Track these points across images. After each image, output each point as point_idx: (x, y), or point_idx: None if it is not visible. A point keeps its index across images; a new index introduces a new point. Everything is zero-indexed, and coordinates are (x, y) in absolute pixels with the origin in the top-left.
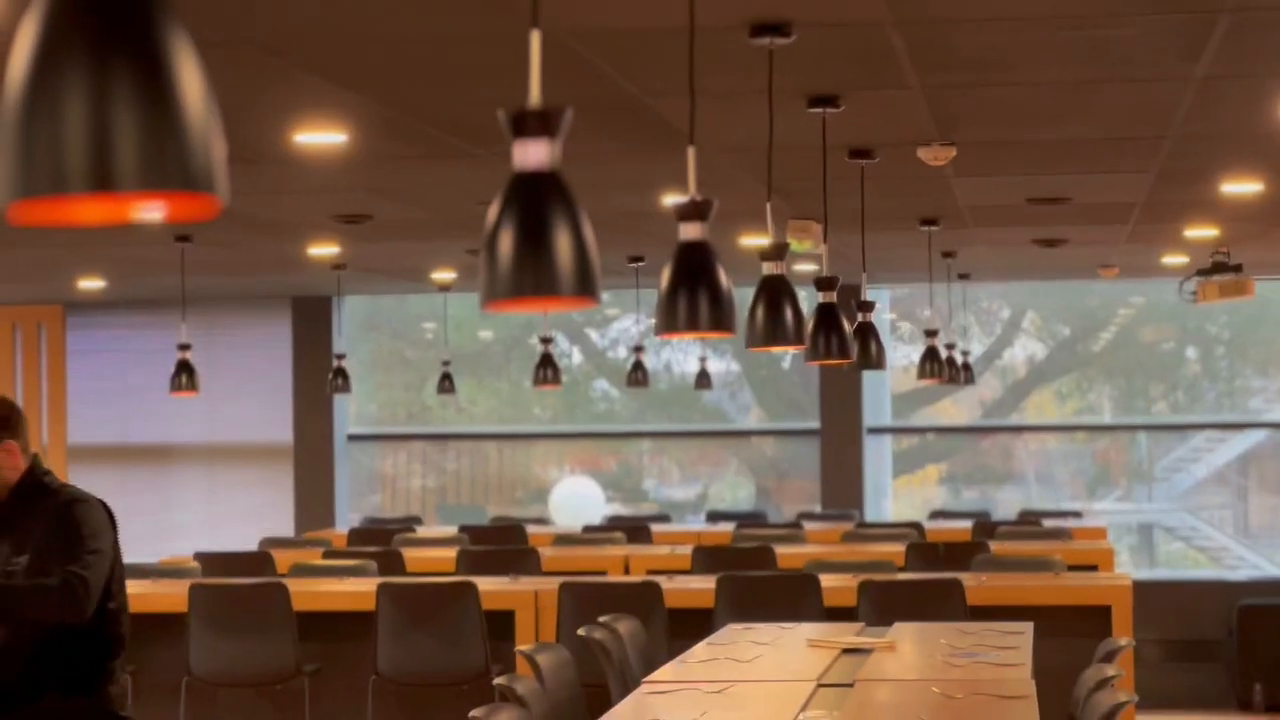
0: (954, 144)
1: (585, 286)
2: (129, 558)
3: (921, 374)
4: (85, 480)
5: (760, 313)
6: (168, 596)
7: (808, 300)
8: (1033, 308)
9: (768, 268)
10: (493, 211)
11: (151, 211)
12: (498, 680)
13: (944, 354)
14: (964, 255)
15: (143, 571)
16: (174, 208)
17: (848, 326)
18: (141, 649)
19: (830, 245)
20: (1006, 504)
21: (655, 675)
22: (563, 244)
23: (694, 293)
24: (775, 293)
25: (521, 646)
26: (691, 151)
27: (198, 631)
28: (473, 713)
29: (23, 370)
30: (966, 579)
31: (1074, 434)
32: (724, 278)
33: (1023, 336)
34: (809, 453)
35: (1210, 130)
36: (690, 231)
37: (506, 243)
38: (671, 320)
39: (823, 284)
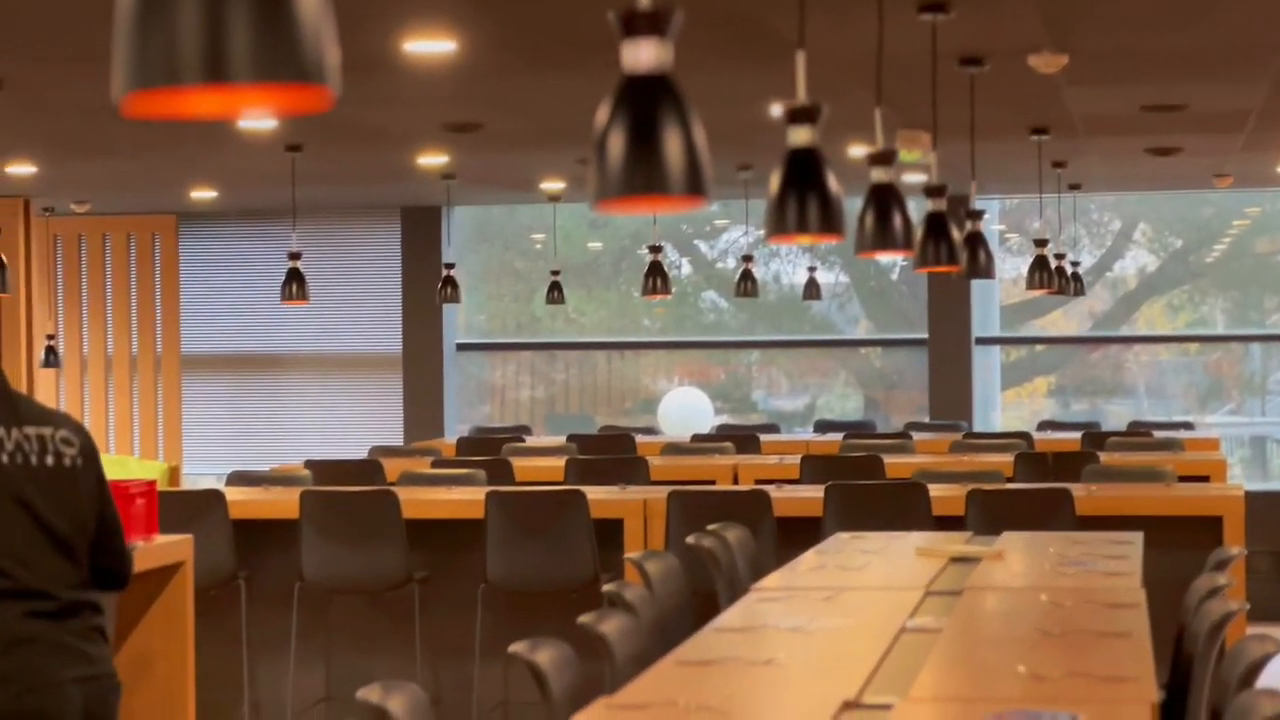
0: (1066, 51)
1: (695, 185)
2: (241, 464)
3: (1031, 284)
4: (198, 389)
5: (869, 219)
6: (280, 503)
7: (916, 212)
8: (1144, 219)
9: (876, 174)
10: (603, 112)
11: (264, 103)
12: (607, 587)
13: (1053, 264)
14: (1075, 165)
15: (255, 479)
16: (286, 99)
17: (956, 235)
18: (254, 555)
19: (939, 155)
20: (1116, 417)
21: (764, 582)
22: (672, 142)
23: (803, 197)
24: (884, 199)
25: (630, 554)
26: (801, 56)
27: (309, 538)
28: (581, 618)
29: (137, 280)
30: (1076, 489)
31: (1186, 346)
32: (833, 182)
33: (1134, 248)
34: (917, 364)
35: None
36: (799, 136)
37: (617, 142)
38: (781, 224)
39: (932, 191)
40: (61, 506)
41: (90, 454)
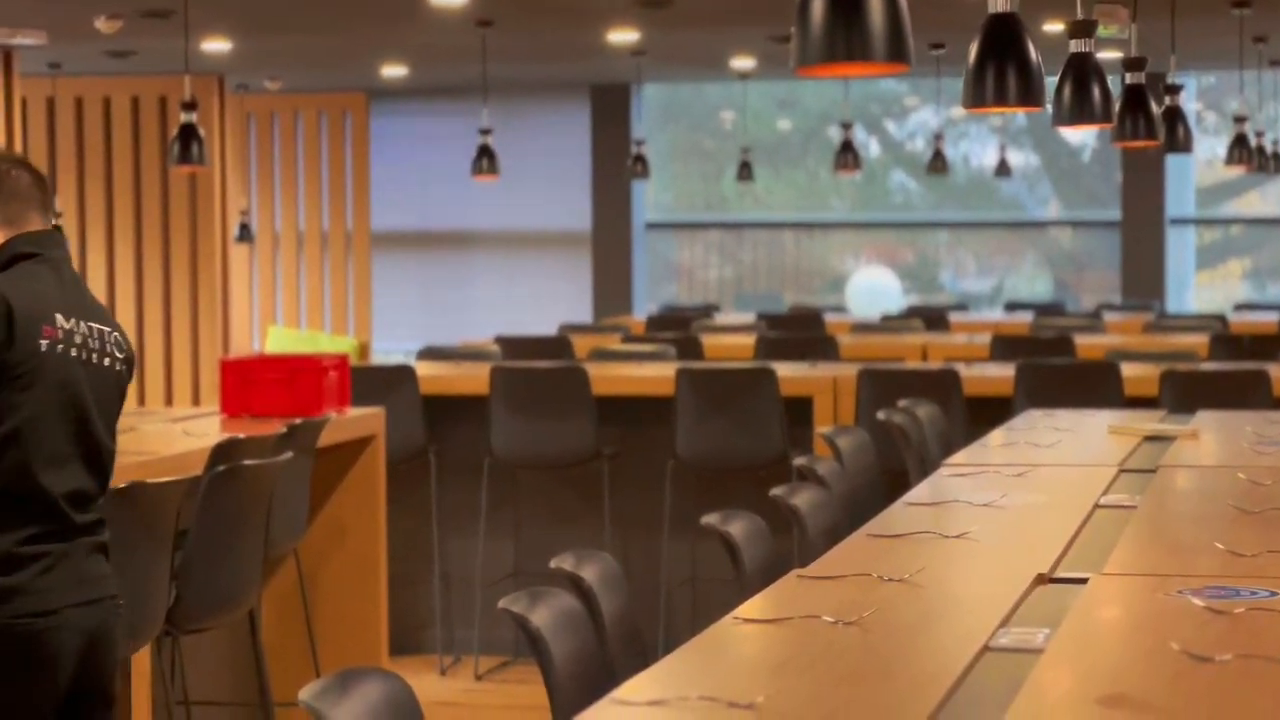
0: None
1: (898, 52)
2: (429, 340)
3: (1230, 160)
4: (388, 266)
5: (1067, 91)
6: (469, 379)
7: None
8: None
9: (1075, 45)
10: None
11: None
12: (798, 461)
13: (1253, 141)
14: (1277, 40)
15: (445, 354)
16: None
17: (1155, 109)
18: (444, 430)
19: (1137, 30)
20: None
21: (954, 458)
22: (875, 6)
23: (1002, 65)
24: (1082, 70)
25: (821, 428)
26: None
27: (498, 413)
28: (773, 490)
29: (328, 157)
30: (1273, 369)
31: None
32: (1033, 51)
33: None
34: (1108, 244)
35: None
36: (1000, 3)
37: (820, 5)
38: (979, 94)
39: (1130, 64)
40: (105, 414)
41: (132, 365)
